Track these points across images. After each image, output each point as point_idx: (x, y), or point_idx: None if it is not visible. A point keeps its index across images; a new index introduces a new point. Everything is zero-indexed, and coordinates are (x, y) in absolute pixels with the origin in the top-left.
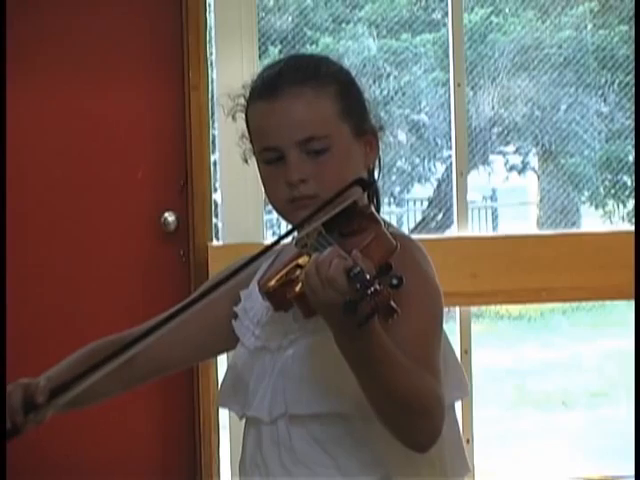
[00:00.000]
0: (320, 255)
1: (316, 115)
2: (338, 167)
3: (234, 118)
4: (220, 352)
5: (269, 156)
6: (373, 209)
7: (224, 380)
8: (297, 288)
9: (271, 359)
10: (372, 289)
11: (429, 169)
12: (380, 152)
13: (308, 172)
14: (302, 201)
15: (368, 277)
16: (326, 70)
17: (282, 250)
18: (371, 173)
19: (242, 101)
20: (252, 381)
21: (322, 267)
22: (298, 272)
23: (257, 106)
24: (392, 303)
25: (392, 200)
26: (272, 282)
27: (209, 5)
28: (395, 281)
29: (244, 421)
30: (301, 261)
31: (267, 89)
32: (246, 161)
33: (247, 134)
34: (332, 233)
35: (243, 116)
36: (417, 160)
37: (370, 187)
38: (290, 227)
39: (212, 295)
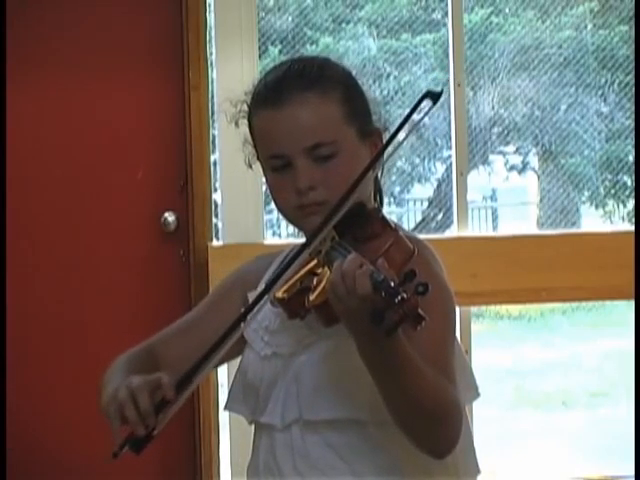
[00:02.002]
0: (343, 262)
1: (322, 121)
2: (346, 172)
3: (237, 124)
4: (233, 354)
5: (276, 163)
6: (384, 213)
7: (233, 384)
8: (315, 296)
9: (283, 365)
10: (399, 297)
11: (429, 169)
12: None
13: (316, 179)
14: (311, 207)
15: (393, 285)
16: (330, 74)
17: (289, 253)
18: (376, 175)
19: (245, 107)
20: (263, 387)
21: (347, 276)
22: (315, 280)
23: (261, 113)
24: (420, 311)
25: (392, 200)
26: (286, 290)
27: (209, 5)
28: (421, 288)
29: (250, 424)
30: (315, 268)
31: (271, 96)
32: (250, 166)
33: (250, 139)
34: (345, 239)
35: (246, 122)
36: (417, 160)
37: (440, 97)
38: (303, 234)
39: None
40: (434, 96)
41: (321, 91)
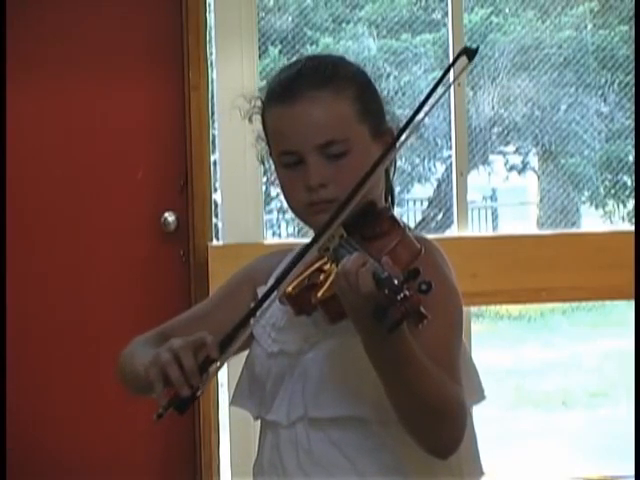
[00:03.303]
0: (347, 260)
1: (335, 118)
2: (357, 170)
3: (251, 120)
4: (241, 348)
5: (288, 160)
6: (393, 212)
7: (239, 379)
8: (321, 292)
9: (290, 363)
10: (402, 295)
11: (429, 169)
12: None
13: (328, 176)
14: (321, 205)
15: (396, 282)
16: (344, 72)
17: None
18: (388, 174)
19: (259, 103)
20: (269, 383)
21: (351, 273)
22: (321, 276)
23: (275, 109)
24: (422, 309)
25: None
26: (294, 286)
27: (209, 5)
28: (424, 286)
29: (255, 420)
30: (322, 265)
31: (285, 92)
32: (263, 163)
33: (263, 136)
34: (354, 236)
35: (259, 118)
36: (417, 160)
37: (476, 54)
38: (312, 232)
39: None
40: (470, 53)
41: (334, 89)
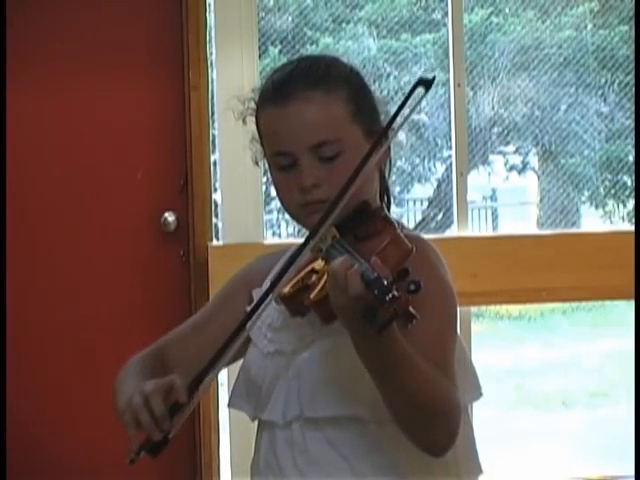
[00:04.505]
0: (337, 262)
1: (328, 119)
2: (351, 170)
3: (244, 122)
4: (243, 352)
5: (281, 161)
6: (386, 211)
7: (236, 381)
8: (314, 294)
9: (286, 362)
10: (390, 295)
11: (429, 169)
12: (392, 152)
13: (321, 177)
14: (315, 205)
15: (386, 283)
16: (337, 73)
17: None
18: (383, 174)
19: (252, 105)
20: (265, 384)
21: (339, 275)
22: (314, 277)
23: (268, 111)
24: (411, 309)
25: (392, 200)
26: (287, 287)
27: (209, 5)
28: (413, 287)
29: (252, 421)
30: (316, 266)
31: (278, 93)
32: (257, 164)
33: (257, 137)
34: (347, 237)
35: (253, 119)
36: (417, 160)
37: (432, 84)
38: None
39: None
40: (426, 83)
41: (327, 89)
